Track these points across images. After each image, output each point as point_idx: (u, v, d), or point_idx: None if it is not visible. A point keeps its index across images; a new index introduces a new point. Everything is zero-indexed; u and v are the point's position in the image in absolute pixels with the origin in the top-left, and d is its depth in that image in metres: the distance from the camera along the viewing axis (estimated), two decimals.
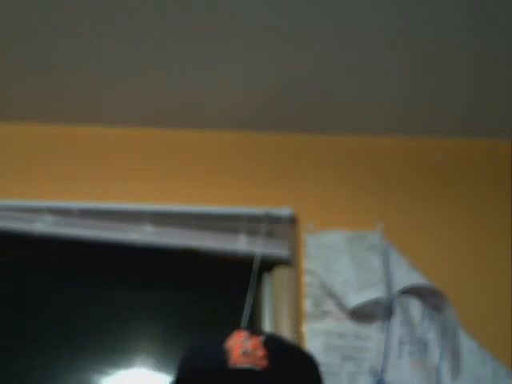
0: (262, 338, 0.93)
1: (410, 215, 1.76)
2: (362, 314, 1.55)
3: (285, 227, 1.68)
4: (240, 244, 1.63)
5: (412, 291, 1.57)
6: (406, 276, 1.60)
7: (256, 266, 1.58)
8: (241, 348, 0.91)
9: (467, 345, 1.53)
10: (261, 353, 0.91)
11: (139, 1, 1.47)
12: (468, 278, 1.67)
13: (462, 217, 1.77)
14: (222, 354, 0.91)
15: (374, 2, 1.47)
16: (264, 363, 0.90)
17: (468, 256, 1.71)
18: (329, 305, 1.58)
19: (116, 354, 1.62)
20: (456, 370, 1.50)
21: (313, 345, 1.53)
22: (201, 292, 1.73)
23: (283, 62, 1.64)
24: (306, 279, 1.63)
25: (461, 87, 1.73)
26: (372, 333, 1.54)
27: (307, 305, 1.59)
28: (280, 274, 1.65)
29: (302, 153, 1.85)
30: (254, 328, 1.02)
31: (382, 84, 1.72)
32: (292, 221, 1.70)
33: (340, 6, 1.48)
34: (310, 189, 1.78)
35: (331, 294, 1.59)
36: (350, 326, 1.55)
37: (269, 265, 1.65)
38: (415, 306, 1.57)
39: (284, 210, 1.69)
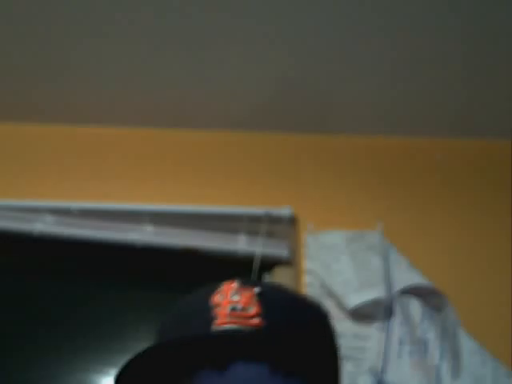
0: (256, 290, 0.76)
1: (410, 215, 1.76)
2: (362, 314, 1.55)
3: (285, 227, 1.68)
4: (240, 244, 1.63)
5: (412, 291, 1.57)
6: (406, 276, 1.60)
7: (256, 266, 1.58)
8: (229, 304, 0.75)
9: (467, 345, 1.53)
10: (253, 310, 0.74)
11: (139, 1, 1.47)
12: (468, 278, 1.67)
13: (462, 217, 1.77)
14: (205, 314, 0.76)
15: (374, 2, 1.47)
16: (255, 322, 0.73)
17: (468, 256, 1.71)
18: (329, 305, 1.58)
19: (116, 354, 1.62)
20: (456, 370, 1.50)
21: None
22: None
23: (283, 62, 1.64)
24: (306, 279, 1.63)
25: (461, 87, 1.73)
26: (372, 333, 1.54)
27: None
28: (280, 274, 1.65)
29: (302, 153, 1.85)
30: (248, 278, 0.82)
31: (382, 84, 1.72)
32: (292, 221, 1.70)
33: (340, 6, 1.48)
34: (310, 189, 1.78)
35: (331, 294, 1.59)
36: (349, 326, 1.55)
37: (269, 265, 1.65)
38: (415, 306, 1.56)
39: (284, 210, 1.69)
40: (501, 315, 1.62)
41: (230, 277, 1.76)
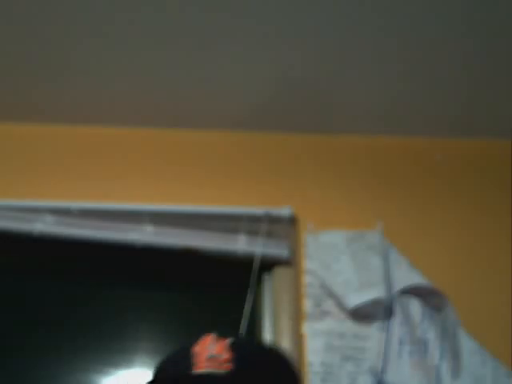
0: (228, 341, 0.95)
1: (410, 215, 1.76)
2: (362, 314, 1.55)
3: (285, 227, 1.68)
4: (240, 244, 1.63)
5: (412, 291, 1.57)
6: (406, 276, 1.60)
7: (256, 266, 1.58)
8: (206, 352, 0.93)
9: (467, 345, 1.53)
10: (225, 356, 0.92)
11: (139, 1, 1.47)
12: (468, 278, 1.67)
13: (462, 217, 1.77)
14: (187, 360, 0.94)
15: (374, 2, 1.47)
16: (226, 366, 0.91)
17: (468, 256, 1.71)
18: (329, 305, 1.58)
19: (116, 354, 1.62)
20: (456, 369, 1.50)
21: (313, 345, 1.53)
22: (201, 292, 1.73)
23: (283, 62, 1.64)
24: (306, 279, 1.63)
25: (461, 87, 1.73)
26: (372, 333, 1.54)
27: (307, 305, 1.59)
28: (280, 274, 1.65)
29: (302, 153, 1.85)
30: (224, 332, 1.01)
31: (382, 84, 1.72)
32: (292, 221, 1.70)
33: (340, 6, 1.48)
34: (310, 189, 1.78)
35: (331, 294, 1.59)
36: (349, 326, 1.55)
37: (269, 265, 1.65)
38: (415, 306, 1.57)
39: (284, 210, 1.69)
40: (501, 315, 1.62)
41: (229, 277, 1.76)
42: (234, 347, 0.93)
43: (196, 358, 0.93)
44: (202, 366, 0.92)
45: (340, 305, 1.57)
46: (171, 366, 0.97)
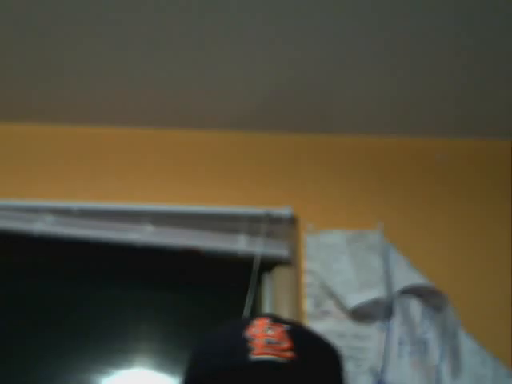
0: (285, 328, 0.88)
1: (410, 215, 1.76)
2: (362, 314, 1.55)
3: (285, 227, 1.68)
4: (240, 244, 1.63)
5: (412, 291, 1.57)
6: (405, 276, 1.60)
7: (256, 266, 1.58)
8: (264, 337, 0.86)
9: (467, 345, 1.53)
10: (286, 344, 0.86)
11: (139, 1, 1.47)
12: (468, 278, 1.67)
13: (462, 217, 1.77)
14: (244, 345, 0.85)
15: (374, 2, 1.47)
16: (289, 355, 0.85)
17: (468, 256, 1.71)
18: (329, 305, 1.58)
19: (116, 354, 1.62)
20: (456, 370, 1.50)
21: None
22: (201, 292, 1.73)
23: (283, 62, 1.64)
24: (306, 279, 1.63)
25: (461, 87, 1.73)
26: (372, 333, 1.54)
27: (307, 305, 1.59)
28: (280, 274, 1.65)
29: (302, 153, 1.85)
30: (275, 315, 0.95)
31: (381, 84, 1.72)
32: (292, 221, 1.70)
33: (340, 6, 1.48)
34: (310, 189, 1.79)
35: (331, 294, 1.59)
36: (350, 326, 1.55)
37: (269, 265, 1.65)
38: (415, 306, 1.56)
39: (284, 210, 1.69)
40: (501, 315, 1.61)
41: (229, 277, 1.76)
42: (291, 335, 0.87)
43: (253, 343, 0.85)
44: (261, 352, 0.84)
45: (340, 305, 1.57)
46: (224, 354, 0.87)
